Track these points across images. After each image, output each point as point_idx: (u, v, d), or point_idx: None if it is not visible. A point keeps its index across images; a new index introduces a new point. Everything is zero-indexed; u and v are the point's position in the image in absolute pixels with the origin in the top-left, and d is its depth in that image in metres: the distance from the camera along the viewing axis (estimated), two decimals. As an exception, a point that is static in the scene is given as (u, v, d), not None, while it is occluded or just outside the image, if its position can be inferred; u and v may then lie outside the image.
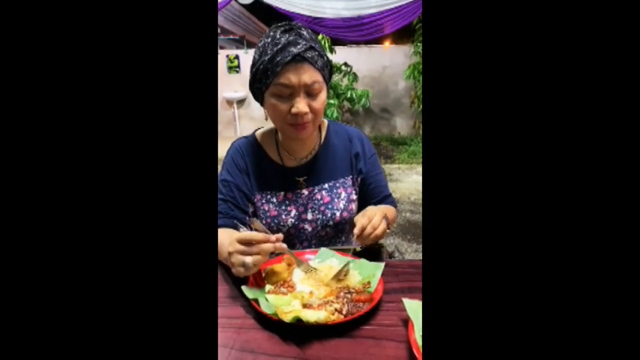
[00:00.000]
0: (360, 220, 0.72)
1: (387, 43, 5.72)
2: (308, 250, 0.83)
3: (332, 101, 4.51)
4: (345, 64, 4.97)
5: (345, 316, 0.57)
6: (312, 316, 0.54)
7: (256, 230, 0.67)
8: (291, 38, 0.74)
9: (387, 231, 0.80)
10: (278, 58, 0.73)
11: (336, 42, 4.53)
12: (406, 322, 0.55)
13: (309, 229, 0.90)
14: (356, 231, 0.70)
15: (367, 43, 4.93)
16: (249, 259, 0.60)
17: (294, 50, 0.72)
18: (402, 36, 5.15)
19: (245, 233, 0.62)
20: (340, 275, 0.68)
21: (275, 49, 0.73)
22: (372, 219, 0.72)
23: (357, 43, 4.86)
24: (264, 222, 0.88)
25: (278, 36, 0.75)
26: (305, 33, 0.77)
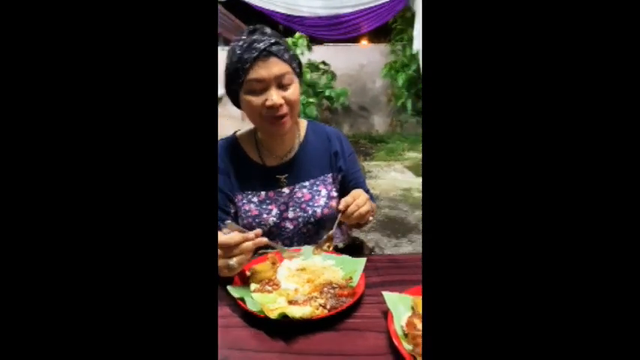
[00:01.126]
0: (346, 198, 0.76)
1: (363, 42, 5.78)
2: (291, 248, 0.84)
3: (311, 100, 4.52)
4: (324, 62, 4.99)
5: (329, 310, 0.59)
6: (297, 311, 0.56)
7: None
8: (255, 37, 0.78)
9: (371, 218, 0.83)
10: (246, 56, 0.77)
11: (313, 40, 4.54)
12: (386, 313, 0.58)
13: (291, 227, 0.92)
14: (340, 207, 0.74)
15: (344, 41, 4.98)
16: (232, 261, 0.62)
17: (260, 46, 0.77)
18: (378, 35, 5.23)
19: (223, 237, 0.63)
20: (323, 246, 0.71)
21: (242, 48, 0.78)
22: (357, 198, 0.76)
23: (335, 41, 4.89)
24: (245, 222, 0.89)
25: (244, 37, 0.80)
26: (268, 31, 0.81)
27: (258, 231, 0.65)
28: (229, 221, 0.76)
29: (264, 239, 0.66)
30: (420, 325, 0.53)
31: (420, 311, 0.55)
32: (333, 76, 5.04)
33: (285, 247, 0.80)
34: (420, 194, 3.40)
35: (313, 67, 4.94)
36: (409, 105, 5.07)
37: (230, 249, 0.62)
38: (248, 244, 0.63)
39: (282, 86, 0.80)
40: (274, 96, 0.78)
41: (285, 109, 0.80)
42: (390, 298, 0.59)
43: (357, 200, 0.76)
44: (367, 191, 1.02)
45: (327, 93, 4.93)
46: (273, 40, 0.78)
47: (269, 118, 0.81)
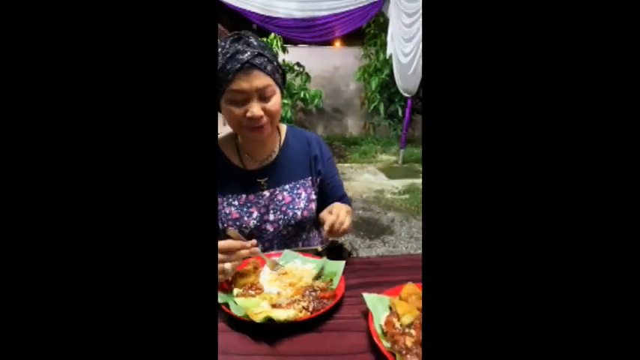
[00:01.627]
0: (329, 217, 0.78)
1: (337, 44, 5.85)
2: (272, 252, 0.86)
3: (285, 101, 4.52)
4: (298, 64, 5.00)
5: (312, 312, 0.61)
6: (281, 314, 0.58)
7: (231, 238, 0.71)
8: (239, 47, 0.78)
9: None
10: (228, 67, 0.77)
11: (288, 41, 4.54)
12: (366, 314, 0.61)
13: (271, 229, 0.93)
14: (326, 227, 0.77)
15: (318, 43, 5.02)
16: (228, 266, 0.65)
17: (243, 58, 0.77)
18: (351, 38, 5.32)
19: (225, 243, 0.66)
20: (320, 277, 0.74)
21: (225, 58, 0.77)
22: (339, 215, 0.79)
23: (309, 43, 4.92)
24: (225, 225, 0.90)
25: (227, 45, 0.79)
26: (253, 41, 0.81)
27: (254, 241, 0.68)
28: (230, 228, 0.78)
29: (258, 249, 0.69)
30: (398, 324, 0.57)
31: (398, 310, 0.59)
32: (308, 77, 5.06)
33: (269, 259, 0.82)
34: (392, 196, 3.50)
35: (288, 68, 4.94)
36: (382, 108, 5.20)
37: (230, 254, 0.65)
38: (245, 252, 0.67)
39: (264, 98, 0.81)
40: (255, 108, 0.79)
41: (265, 120, 0.82)
42: (370, 298, 0.63)
43: (339, 218, 0.79)
44: (343, 196, 1.05)
45: (301, 94, 4.95)
46: (256, 52, 0.78)
47: (249, 127, 0.82)
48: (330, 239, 1.03)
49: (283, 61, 4.85)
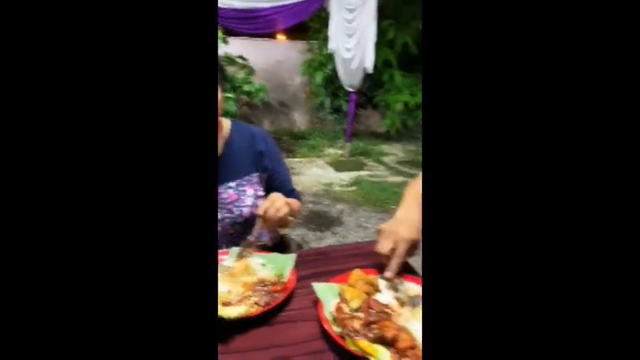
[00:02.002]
0: (264, 204, 0.78)
1: (280, 37, 5.79)
2: (220, 250, 0.84)
3: (229, 95, 4.36)
4: (242, 57, 4.86)
5: (264, 307, 0.62)
6: (232, 312, 0.57)
7: None
8: None
9: (292, 219, 0.87)
10: None
11: (229, 33, 4.37)
12: (316, 302, 0.63)
13: (218, 228, 0.91)
14: (259, 212, 0.75)
15: (261, 36, 4.91)
16: None
17: None
18: (294, 31, 5.29)
19: None
20: (244, 252, 0.73)
21: None
22: (275, 201, 0.79)
23: (251, 35, 4.79)
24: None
25: None
26: None
27: None
28: None
29: None
30: (347, 309, 0.60)
31: (347, 296, 0.62)
32: (251, 70, 4.94)
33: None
34: (340, 188, 3.59)
35: (230, 60, 4.77)
36: (327, 103, 5.27)
37: None
38: None
39: None
40: None
41: None
42: (319, 287, 0.65)
43: (275, 204, 0.78)
44: (292, 190, 1.06)
45: (245, 88, 4.81)
46: None
47: None
48: (280, 234, 1.04)
49: (225, 53, 4.67)
